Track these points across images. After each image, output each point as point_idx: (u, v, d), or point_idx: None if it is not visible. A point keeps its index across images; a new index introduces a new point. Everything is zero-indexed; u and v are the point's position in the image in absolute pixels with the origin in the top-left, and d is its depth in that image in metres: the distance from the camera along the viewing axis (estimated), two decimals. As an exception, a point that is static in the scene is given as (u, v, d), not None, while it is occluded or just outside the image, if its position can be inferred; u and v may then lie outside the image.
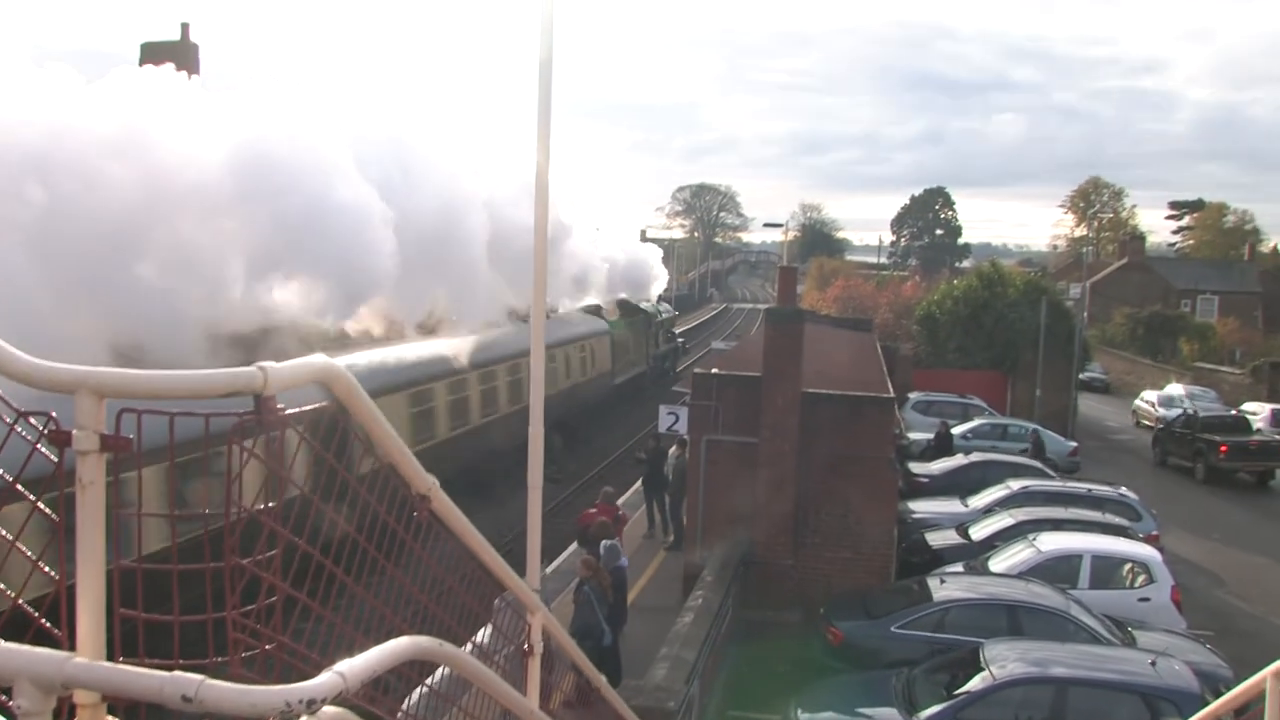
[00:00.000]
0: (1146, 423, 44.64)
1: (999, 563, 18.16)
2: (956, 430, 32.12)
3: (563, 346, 33.36)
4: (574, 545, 19.53)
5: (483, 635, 4.89)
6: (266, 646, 2.50)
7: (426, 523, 3.47)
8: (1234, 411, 38.83)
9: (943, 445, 30.00)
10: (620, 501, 24.27)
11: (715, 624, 15.00)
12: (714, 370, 20.60)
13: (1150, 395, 47.79)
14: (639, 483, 24.88)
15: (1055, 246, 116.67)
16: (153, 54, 23.03)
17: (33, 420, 2.32)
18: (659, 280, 52.25)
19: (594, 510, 18.62)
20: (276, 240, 18.29)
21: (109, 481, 2.29)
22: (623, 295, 45.27)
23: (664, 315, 52.99)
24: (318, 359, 2.63)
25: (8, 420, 2.35)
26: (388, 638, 2.92)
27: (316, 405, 2.67)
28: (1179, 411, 39.54)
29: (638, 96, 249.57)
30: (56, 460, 2.31)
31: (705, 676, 13.62)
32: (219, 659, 2.41)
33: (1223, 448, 33.39)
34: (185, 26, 26.43)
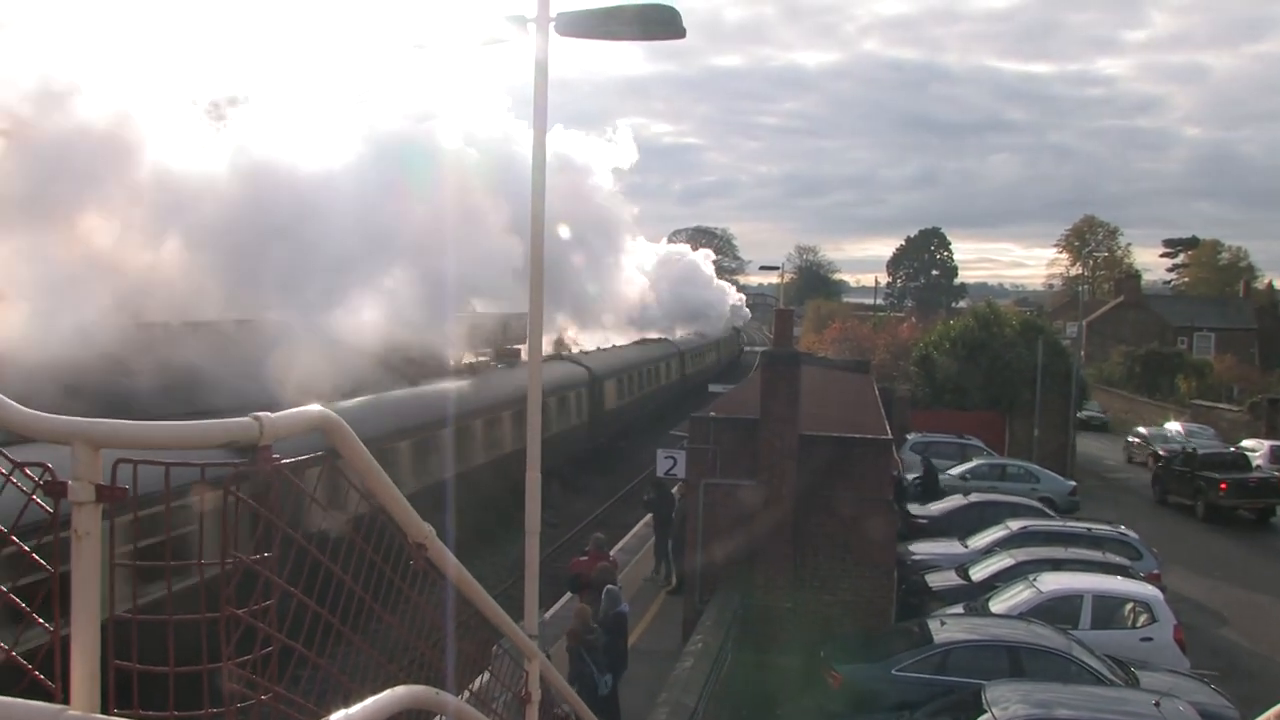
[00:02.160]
0: (1139, 459, 44.96)
1: (999, 604, 18.05)
2: (955, 470, 32.24)
3: (726, 338, 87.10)
4: (568, 595, 19.20)
5: (481, 682, 4.86)
6: (262, 697, 2.49)
7: (423, 570, 3.46)
8: (1233, 449, 38.80)
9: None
10: (617, 547, 24.13)
11: (715, 668, 14.87)
12: (711, 413, 20.54)
13: (1142, 431, 48.05)
14: (640, 523, 24.70)
15: (1051, 285, 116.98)
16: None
17: (29, 471, 2.31)
18: (744, 314, 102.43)
19: (585, 558, 18.26)
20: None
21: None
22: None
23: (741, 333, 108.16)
24: (314, 409, 2.63)
25: (3, 471, 2.35)
26: (386, 686, 2.90)
27: (312, 455, 2.67)
28: (1178, 448, 39.43)
29: (636, 139, 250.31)
30: (52, 511, 2.30)
31: (706, 722, 13.48)
32: (215, 710, 2.39)
33: (1223, 485, 33.34)
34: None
